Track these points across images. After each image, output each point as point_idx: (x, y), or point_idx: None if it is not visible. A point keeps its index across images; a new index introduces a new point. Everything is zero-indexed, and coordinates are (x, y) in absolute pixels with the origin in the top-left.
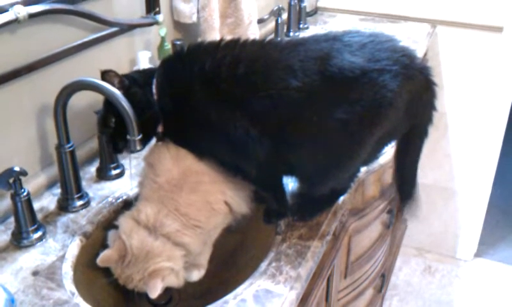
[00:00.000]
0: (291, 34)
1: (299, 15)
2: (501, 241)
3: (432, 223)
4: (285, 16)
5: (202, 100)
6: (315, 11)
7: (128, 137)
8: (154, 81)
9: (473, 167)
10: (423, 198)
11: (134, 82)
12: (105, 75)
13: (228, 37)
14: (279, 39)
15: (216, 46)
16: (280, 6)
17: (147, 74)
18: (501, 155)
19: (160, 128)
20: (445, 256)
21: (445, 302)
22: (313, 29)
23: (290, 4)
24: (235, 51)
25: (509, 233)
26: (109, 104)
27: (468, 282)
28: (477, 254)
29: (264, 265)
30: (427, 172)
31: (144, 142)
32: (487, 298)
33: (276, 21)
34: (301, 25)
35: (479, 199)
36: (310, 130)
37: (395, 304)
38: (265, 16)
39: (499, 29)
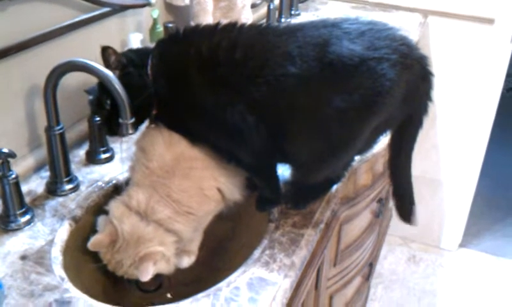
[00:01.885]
0: (283, 20)
1: (291, 1)
2: (485, 232)
3: (418, 213)
4: (277, 1)
5: (198, 83)
6: None
7: (120, 120)
8: (149, 62)
9: (460, 158)
10: None
11: (130, 62)
12: (104, 51)
13: (222, 21)
14: (277, 24)
15: (213, 29)
16: None
17: (143, 54)
18: (488, 147)
19: (153, 111)
20: (430, 246)
21: (429, 291)
22: (304, 16)
23: None
24: (232, 35)
25: (493, 224)
26: (104, 85)
27: (452, 272)
28: (462, 245)
29: (257, 253)
30: (414, 162)
31: (137, 125)
32: (470, 288)
33: (268, 6)
34: (292, 12)
35: (465, 190)
36: (306, 118)
37: (379, 292)
38: (258, 2)
39: (490, 21)
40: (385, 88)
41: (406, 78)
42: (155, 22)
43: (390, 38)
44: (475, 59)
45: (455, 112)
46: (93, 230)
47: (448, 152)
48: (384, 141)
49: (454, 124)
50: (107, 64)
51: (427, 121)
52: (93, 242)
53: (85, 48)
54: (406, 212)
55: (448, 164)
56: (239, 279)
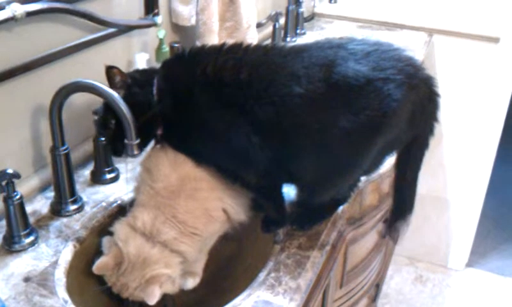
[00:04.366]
0: (288, 39)
1: (296, 21)
2: (492, 251)
3: (425, 232)
4: (282, 21)
5: (203, 104)
6: (312, 16)
7: (125, 141)
8: (155, 82)
9: (466, 177)
10: (416, 207)
11: (135, 82)
12: (109, 70)
13: (227, 41)
14: (282, 44)
15: (219, 49)
16: (278, 10)
17: (149, 74)
18: (494, 165)
19: (159, 131)
20: (437, 266)
21: None
22: (310, 35)
23: (288, 9)
24: (238, 55)
25: (500, 244)
26: (110, 105)
27: (459, 292)
28: (468, 264)
29: (262, 275)
30: (420, 181)
31: (143, 145)
32: None
33: (274, 26)
34: (298, 31)
35: (471, 209)
36: (312, 138)
37: None
38: (263, 21)
39: (496, 40)
40: (391, 109)
41: (412, 98)
42: (161, 42)
43: (396, 58)
44: (481, 78)
45: (461, 130)
46: (98, 251)
47: (455, 171)
48: (390, 161)
49: (461, 143)
50: (112, 84)
51: (433, 140)
52: (98, 265)
53: (91, 68)
54: (394, 227)
55: (455, 182)
56: (244, 302)
